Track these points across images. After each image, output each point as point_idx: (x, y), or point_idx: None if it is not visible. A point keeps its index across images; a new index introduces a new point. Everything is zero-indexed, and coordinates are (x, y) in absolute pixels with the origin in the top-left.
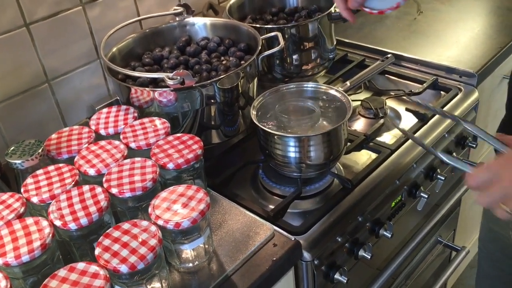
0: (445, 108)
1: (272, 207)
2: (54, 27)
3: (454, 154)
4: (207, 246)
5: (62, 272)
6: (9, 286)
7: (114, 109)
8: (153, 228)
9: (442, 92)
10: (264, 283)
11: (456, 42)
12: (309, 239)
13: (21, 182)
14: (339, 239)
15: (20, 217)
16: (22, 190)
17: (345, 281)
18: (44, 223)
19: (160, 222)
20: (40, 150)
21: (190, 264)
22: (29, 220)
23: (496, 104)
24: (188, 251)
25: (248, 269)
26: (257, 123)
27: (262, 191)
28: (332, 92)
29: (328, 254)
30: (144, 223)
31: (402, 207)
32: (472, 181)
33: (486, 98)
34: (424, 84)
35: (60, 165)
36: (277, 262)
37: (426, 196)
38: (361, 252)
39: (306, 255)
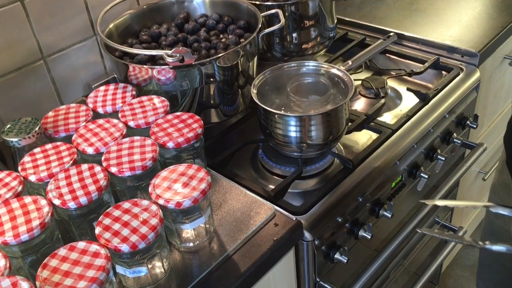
0: (446, 89)
1: (272, 187)
2: (49, 2)
3: (454, 134)
4: (208, 226)
5: (62, 251)
6: (8, 265)
7: (111, 87)
8: (154, 207)
9: (443, 71)
10: (265, 262)
11: (457, 21)
12: (310, 219)
13: (18, 160)
14: (339, 219)
15: (18, 195)
16: (19, 168)
17: (346, 261)
18: (43, 202)
19: (161, 202)
20: (37, 128)
21: (191, 244)
22: (28, 199)
23: (496, 84)
24: (188, 230)
25: (249, 248)
26: (258, 101)
27: (262, 171)
28: (334, 71)
29: (328, 234)
30: (145, 202)
31: (402, 188)
32: None
33: (487, 78)
34: (426, 64)
35: (58, 143)
36: (278, 242)
37: (426, 177)
38: (361, 232)
39: (307, 235)
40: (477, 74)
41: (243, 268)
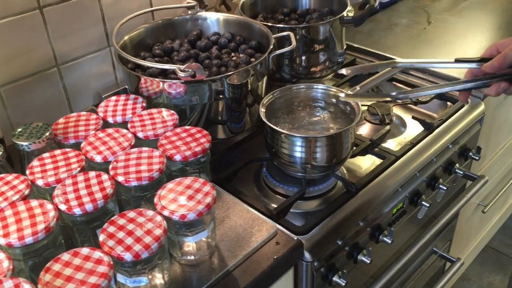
0: (450, 119)
1: (274, 205)
2: (67, 11)
3: (457, 165)
4: (210, 240)
5: (65, 256)
6: (11, 267)
7: (122, 97)
8: (159, 218)
9: (448, 102)
10: (265, 280)
11: (464, 54)
12: (311, 240)
13: (26, 164)
14: (340, 242)
15: (24, 198)
16: (27, 172)
17: (344, 284)
18: (49, 206)
19: (165, 213)
20: (47, 134)
21: (192, 257)
22: (34, 203)
23: (500, 118)
24: (190, 243)
25: (249, 265)
26: (265, 120)
27: (265, 189)
28: (342, 95)
29: (328, 256)
30: (150, 212)
31: (403, 214)
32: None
33: (491, 112)
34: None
35: (67, 150)
36: (278, 260)
37: (428, 205)
38: (361, 256)
39: (307, 255)
40: (481, 107)
41: (243, 284)
